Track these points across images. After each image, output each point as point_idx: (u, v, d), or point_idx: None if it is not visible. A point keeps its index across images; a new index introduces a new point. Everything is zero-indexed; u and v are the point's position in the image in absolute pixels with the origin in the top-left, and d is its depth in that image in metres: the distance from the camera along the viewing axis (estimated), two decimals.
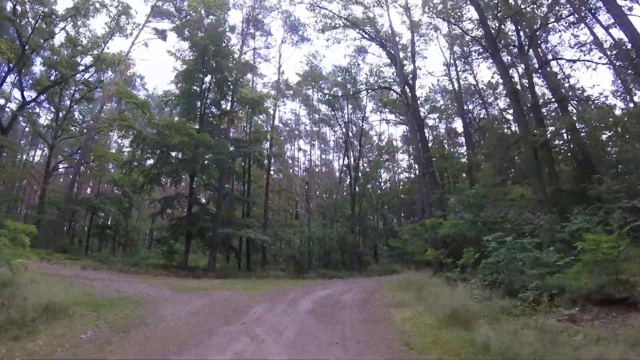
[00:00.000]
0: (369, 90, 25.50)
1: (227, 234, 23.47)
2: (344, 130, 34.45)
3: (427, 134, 28.81)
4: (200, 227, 23.69)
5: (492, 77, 24.23)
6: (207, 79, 26.36)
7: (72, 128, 29.80)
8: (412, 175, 48.76)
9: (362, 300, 10.59)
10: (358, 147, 33.21)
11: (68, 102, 29.28)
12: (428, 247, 17.31)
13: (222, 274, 20.76)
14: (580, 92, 18.69)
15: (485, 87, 27.54)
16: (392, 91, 24.92)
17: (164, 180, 26.19)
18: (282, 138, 50.66)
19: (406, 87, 22.33)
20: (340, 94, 29.71)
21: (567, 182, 15.16)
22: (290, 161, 51.60)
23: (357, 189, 30.00)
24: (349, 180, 33.98)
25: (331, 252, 32.25)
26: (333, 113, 40.06)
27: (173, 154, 24.58)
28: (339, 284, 15.78)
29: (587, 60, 18.66)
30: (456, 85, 28.11)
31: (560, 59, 19.12)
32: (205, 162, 23.59)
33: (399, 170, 50.91)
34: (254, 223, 29.04)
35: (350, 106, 38.18)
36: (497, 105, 26.44)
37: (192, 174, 25.19)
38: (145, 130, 25.36)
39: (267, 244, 27.19)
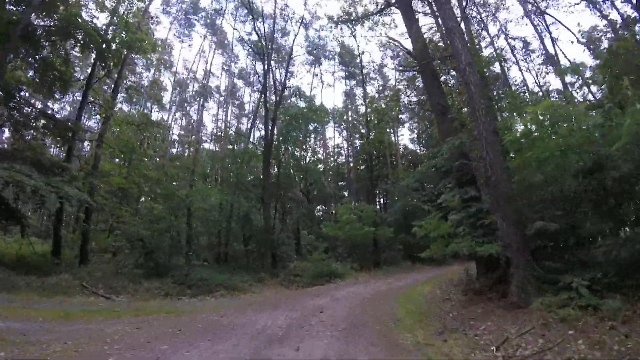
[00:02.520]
0: None
1: None
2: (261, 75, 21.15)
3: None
4: None
5: None
6: None
7: None
8: (343, 157, 38.23)
9: None
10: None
11: None
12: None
13: None
14: None
15: None
16: None
17: None
18: (186, 97, 35.02)
19: None
20: None
21: None
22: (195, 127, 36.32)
23: (274, 136, 17.51)
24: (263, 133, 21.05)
25: (230, 239, 19.49)
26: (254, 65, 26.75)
27: None
28: None
29: None
30: None
31: None
32: None
33: (330, 150, 39.00)
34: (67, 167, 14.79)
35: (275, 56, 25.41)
36: None
37: None
38: None
39: (91, 208, 13.55)
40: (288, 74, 20.38)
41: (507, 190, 5.82)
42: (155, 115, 30.35)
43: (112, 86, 17.72)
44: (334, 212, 23.11)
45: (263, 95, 17.38)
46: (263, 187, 15.65)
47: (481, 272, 7.64)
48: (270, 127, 16.49)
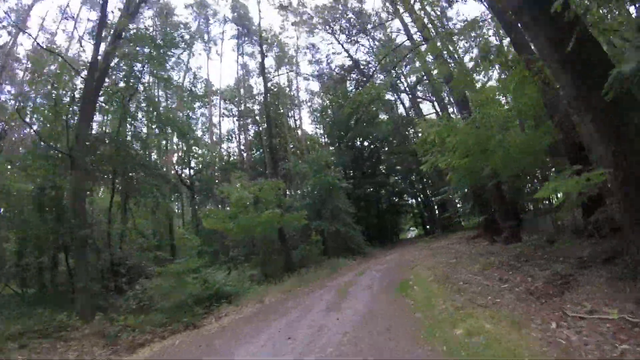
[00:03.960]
0: None
1: None
2: None
3: None
4: None
5: None
6: None
7: None
8: (234, 145, 30.12)
9: None
10: None
11: None
12: None
13: None
14: None
15: None
16: None
17: None
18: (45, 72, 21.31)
19: None
20: None
21: None
22: None
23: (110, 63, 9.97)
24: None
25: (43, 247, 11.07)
26: None
27: None
28: None
29: None
30: None
31: None
32: None
33: (217, 138, 30.13)
34: None
35: None
36: None
37: None
38: None
39: None
40: None
41: None
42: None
43: None
44: (219, 195, 16.09)
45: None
46: (76, 136, 7.86)
47: None
48: (106, 46, 9.08)
